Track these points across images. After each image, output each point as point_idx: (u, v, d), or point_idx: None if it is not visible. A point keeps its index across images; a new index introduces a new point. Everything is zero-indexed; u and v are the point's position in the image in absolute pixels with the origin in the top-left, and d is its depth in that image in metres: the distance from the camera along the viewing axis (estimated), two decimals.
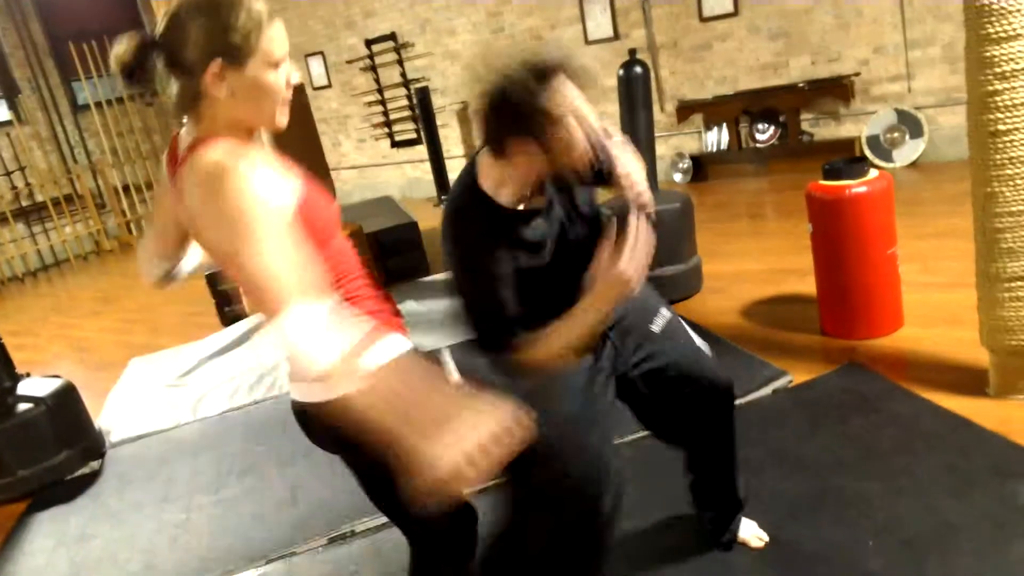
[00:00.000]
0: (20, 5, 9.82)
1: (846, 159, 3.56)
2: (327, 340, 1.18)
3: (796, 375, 3.23)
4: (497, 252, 1.68)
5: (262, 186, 1.30)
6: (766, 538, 2.33)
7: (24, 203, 9.63)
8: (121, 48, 1.42)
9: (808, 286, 4.06)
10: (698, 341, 2.15)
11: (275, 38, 1.38)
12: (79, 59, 9.90)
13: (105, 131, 10.30)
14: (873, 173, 3.36)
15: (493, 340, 1.72)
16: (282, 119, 1.44)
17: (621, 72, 4.27)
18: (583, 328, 1.66)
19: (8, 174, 9.52)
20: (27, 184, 9.66)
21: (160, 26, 1.40)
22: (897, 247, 3.44)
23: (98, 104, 10.19)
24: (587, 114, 1.62)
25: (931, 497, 2.37)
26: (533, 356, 1.66)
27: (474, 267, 1.70)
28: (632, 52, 4.34)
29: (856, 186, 3.31)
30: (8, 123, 9.64)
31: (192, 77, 1.37)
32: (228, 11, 1.33)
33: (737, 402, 3.04)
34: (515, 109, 1.58)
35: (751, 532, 2.34)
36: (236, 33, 1.33)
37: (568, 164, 1.65)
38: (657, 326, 2.02)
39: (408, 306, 4.74)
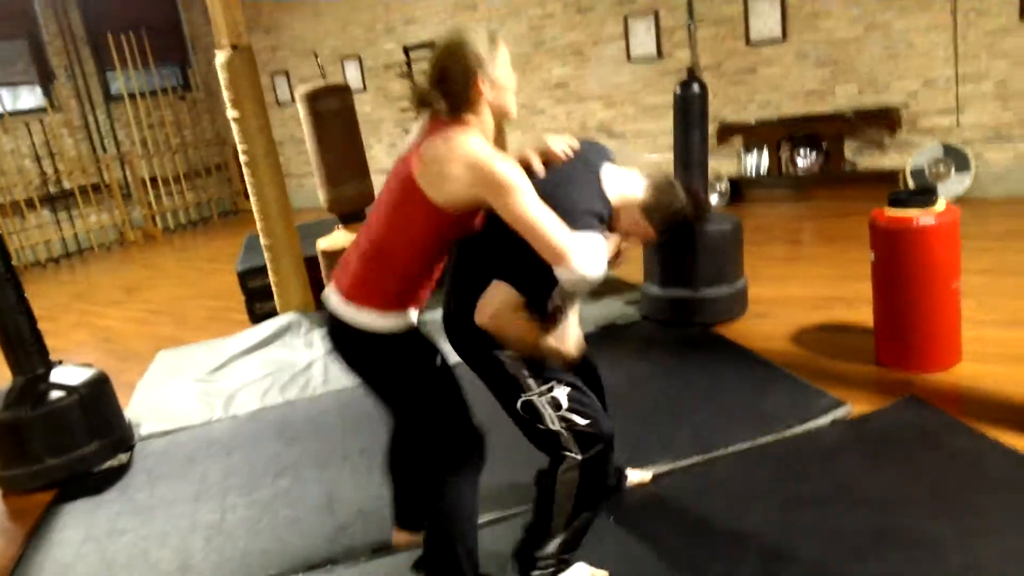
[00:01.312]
0: None
1: (913, 188, 3.48)
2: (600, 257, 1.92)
3: (853, 406, 3.13)
4: None
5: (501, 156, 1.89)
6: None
7: (52, 189, 9.61)
8: (415, 91, 2.04)
9: (858, 315, 3.99)
10: None
11: (500, 55, 2.01)
12: (115, 50, 9.91)
13: (136, 122, 10.30)
14: (941, 204, 3.28)
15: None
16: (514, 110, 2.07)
17: (678, 90, 4.20)
18: None
19: (38, 160, 9.50)
20: (56, 171, 9.65)
21: (430, 75, 1.99)
22: (960, 282, 3.35)
23: (131, 95, 10.20)
24: None
25: (1008, 541, 2.27)
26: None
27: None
28: (690, 71, 4.26)
29: (924, 216, 3.22)
30: (42, 109, 9.64)
31: (461, 93, 1.95)
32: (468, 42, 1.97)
33: (795, 430, 2.99)
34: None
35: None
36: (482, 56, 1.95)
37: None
38: None
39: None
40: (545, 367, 2.09)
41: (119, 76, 10.11)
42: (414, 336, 2.11)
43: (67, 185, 9.70)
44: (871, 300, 3.55)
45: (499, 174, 1.84)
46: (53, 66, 9.84)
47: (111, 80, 10.35)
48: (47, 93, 9.79)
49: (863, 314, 3.83)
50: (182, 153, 10.77)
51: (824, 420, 3.04)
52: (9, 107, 9.42)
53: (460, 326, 2.11)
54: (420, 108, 2.03)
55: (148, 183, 10.33)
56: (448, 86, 1.94)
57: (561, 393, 2.08)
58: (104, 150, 10.20)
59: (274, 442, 3.64)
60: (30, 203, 9.33)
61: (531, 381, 2.09)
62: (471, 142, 1.88)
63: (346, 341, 2.07)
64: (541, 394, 2.08)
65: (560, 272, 1.87)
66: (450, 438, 2.17)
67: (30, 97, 9.81)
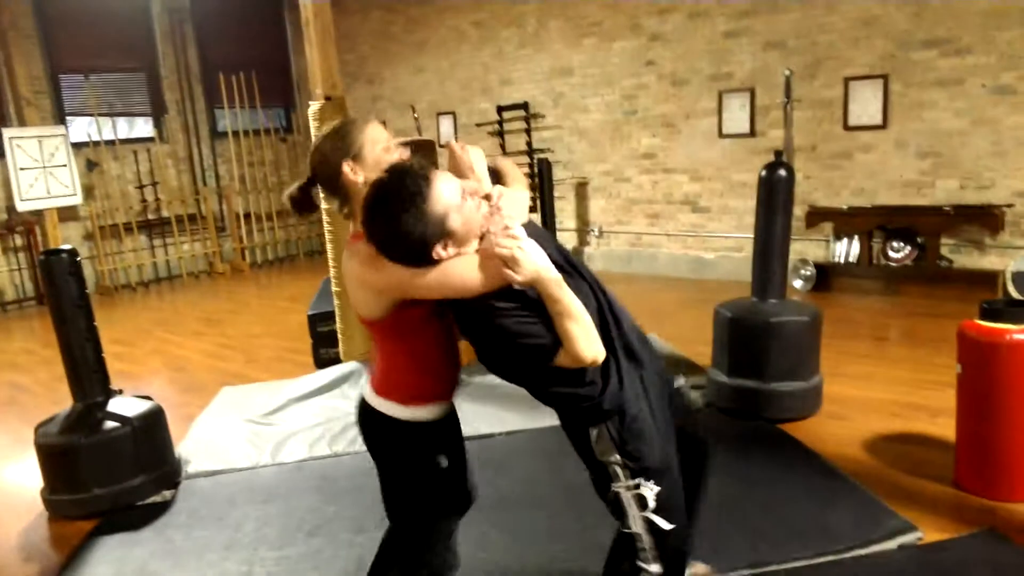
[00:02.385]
0: (182, 32, 10.40)
1: (1008, 299, 3.23)
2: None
3: (925, 531, 2.88)
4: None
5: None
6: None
7: (150, 216, 10.03)
8: (289, 190, 2.11)
9: (940, 428, 3.72)
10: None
11: (377, 128, 2.04)
12: (226, 88, 10.38)
13: (238, 159, 10.71)
14: None
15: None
16: None
17: (763, 173, 4.06)
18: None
19: (141, 187, 9.96)
20: (156, 199, 10.08)
21: (310, 164, 2.05)
22: None
23: (235, 133, 10.63)
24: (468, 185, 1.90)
25: None
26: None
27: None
28: (778, 154, 4.13)
29: (1018, 332, 2.98)
30: (151, 139, 10.13)
31: (335, 183, 2.00)
32: (335, 130, 2.03)
33: (857, 552, 2.76)
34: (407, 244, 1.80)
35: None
36: (349, 139, 1.99)
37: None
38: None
39: None
40: (639, 455, 1.90)
41: (226, 114, 10.56)
42: (434, 428, 2.08)
43: (165, 213, 10.12)
44: (955, 412, 3.29)
45: (385, 279, 1.84)
46: (166, 100, 10.36)
47: (219, 117, 10.82)
48: (157, 125, 10.29)
49: (946, 427, 3.56)
50: (277, 192, 11.10)
51: (891, 544, 2.79)
52: (123, 135, 9.93)
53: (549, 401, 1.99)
54: (302, 213, 2.16)
55: (242, 218, 10.68)
56: (326, 185, 2.02)
57: (649, 492, 1.90)
58: (204, 183, 10.62)
59: (314, 496, 3.59)
60: (128, 227, 9.75)
61: (620, 470, 1.91)
62: (353, 262, 1.91)
63: (368, 423, 2.12)
64: (628, 488, 1.91)
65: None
66: (413, 546, 2.18)
67: (144, 127, 10.33)
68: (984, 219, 5.96)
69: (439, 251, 1.78)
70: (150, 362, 6.34)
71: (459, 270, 1.77)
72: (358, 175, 1.96)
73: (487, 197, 1.87)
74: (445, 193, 1.77)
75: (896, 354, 5.16)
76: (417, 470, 2.09)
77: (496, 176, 2.19)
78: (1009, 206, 5.91)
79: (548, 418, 4.21)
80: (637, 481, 1.90)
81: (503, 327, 1.77)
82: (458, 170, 2.02)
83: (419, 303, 1.90)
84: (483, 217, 1.82)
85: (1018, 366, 3.00)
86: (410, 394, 2.04)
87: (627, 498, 1.91)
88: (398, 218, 1.74)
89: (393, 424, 2.05)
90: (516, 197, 2.06)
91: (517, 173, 2.25)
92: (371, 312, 1.94)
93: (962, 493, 3.18)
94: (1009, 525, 2.91)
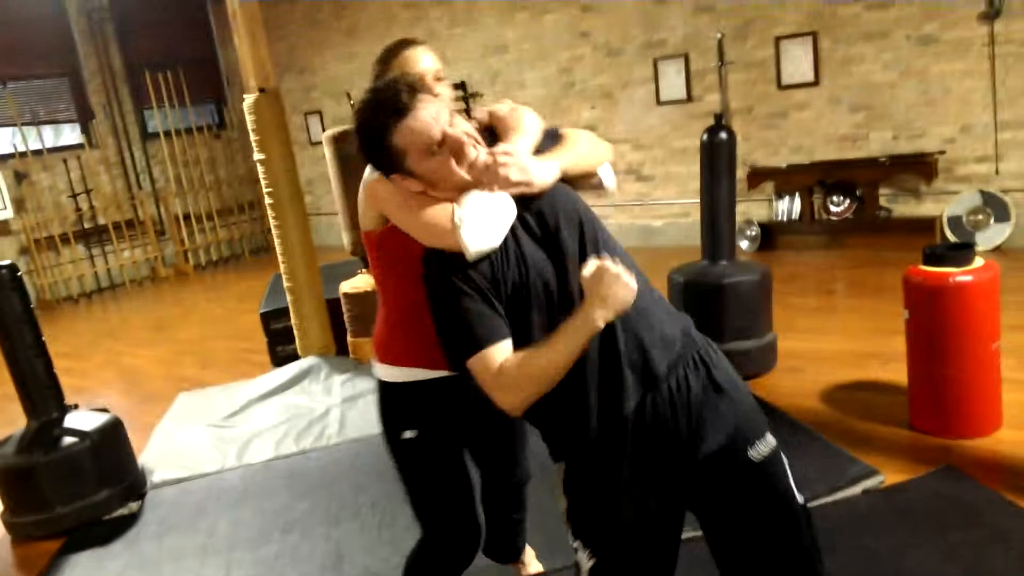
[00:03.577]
0: (103, 32, 10.07)
1: (949, 243, 3.34)
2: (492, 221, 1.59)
3: (887, 474, 2.98)
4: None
5: None
6: None
7: (86, 225, 9.75)
8: None
9: (892, 373, 3.83)
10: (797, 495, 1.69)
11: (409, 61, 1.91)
12: (153, 88, 10.10)
13: (172, 159, 10.45)
14: (979, 261, 3.14)
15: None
16: None
17: (705, 137, 4.11)
18: (574, 343, 1.46)
19: (74, 196, 9.65)
20: (91, 207, 9.79)
21: None
22: (1000, 341, 3.19)
23: (167, 133, 10.36)
24: (459, 121, 1.59)
25: None
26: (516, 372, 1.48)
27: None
28: (718, 117, 4.19)
29: (960, 274, 3.08)
30: (79, 146, 9.81)
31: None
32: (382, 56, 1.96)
33: (823, 500, 2.85)
34: (367, 151, 1.63)
35: None
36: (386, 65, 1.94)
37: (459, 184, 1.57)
38: (757, 453, 1.63)
39: None
40: (583, 521, 1.61)
41: (156, 114, 10.29)
42: (423, 393, 1.89)
43: (102, 221, 9.83)
44: (905, 358, 3.40)
45: (371, 181, 1.78)
46: (92, 104, 10.03)
47: (148, 118, 10.53)
48: (85, 130, 9.98)
49: (898, 372, 3.68)
50: (216, 190, 10.89)
51: (855, 490, 2.89)
52: (49, 144, 9.60)
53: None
54: None
55: (181, 220, 10.45)
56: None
57: (584, 561, 1.61)
58: (139, 187, 10.35)
59: (285, 494, 3.56)
60: (65, 238, 9.46)
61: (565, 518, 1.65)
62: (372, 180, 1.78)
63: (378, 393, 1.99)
64: (575, 550, 1.64)
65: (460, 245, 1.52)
66: (425, 519, 2.02)
67: (72, 134, 10.00)
68: (918, 167, 6.13)
69: (400, 175, 1.61)
70: (102, 374, 6.19)
71: (426, 211, 1.60)
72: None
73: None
74: (427, 120, 1.54)
75: (844, 305, 5.31)
76: (390, 442, 1.95)
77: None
78: (941, 153, 6.08)
79: None
80: (576, 543, 1.63)
81: (446, 293, 1.53)
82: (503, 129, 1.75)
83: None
84: (476, 166, 1.56)
85: (962, 307, 3.11)
86: (389, 349, 1.90)
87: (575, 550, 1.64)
88: (374, 123, 1.57)
89: (380, 391, 1.96)
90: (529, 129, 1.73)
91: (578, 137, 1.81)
92: (363, 220, 1.84)
93: (918, 434, 3.29)
94: (964, 461, 3.03)
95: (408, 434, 1.91)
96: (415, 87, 1.58)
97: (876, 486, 2.91)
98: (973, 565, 2.43)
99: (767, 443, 1.64)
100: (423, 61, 1.88)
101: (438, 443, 1.95)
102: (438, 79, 1.88)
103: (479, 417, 1.96)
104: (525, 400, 1.48)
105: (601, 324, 1.44)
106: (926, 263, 3.19)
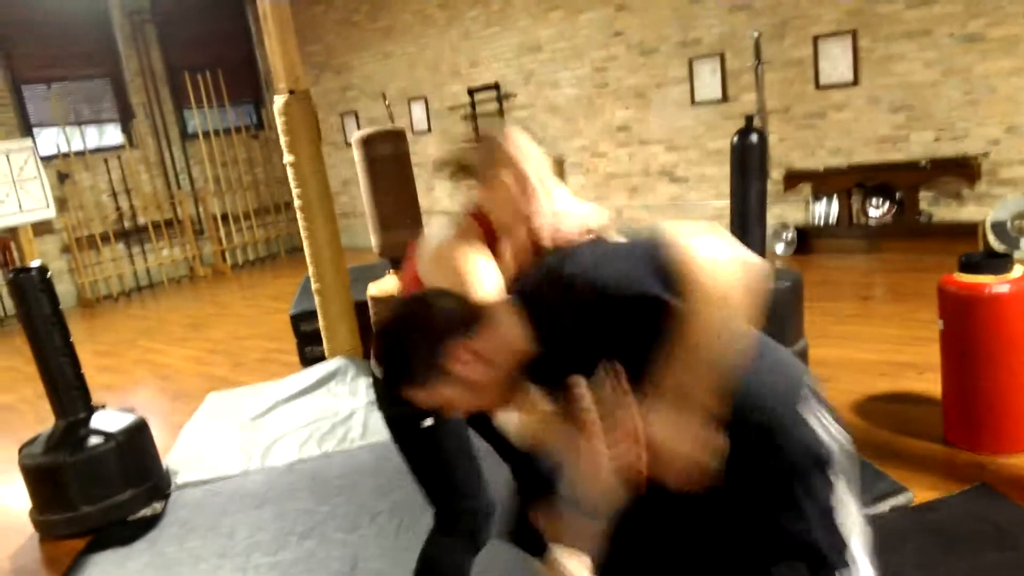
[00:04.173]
0: (144, 34, 10.24)
1: (987, 251, 3.22)
2: None
3: (916, 491, 2.88)
4: None
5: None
6: None
7: (126, 224, 9.92)
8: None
9: (928, 384, 3.72)
10: None
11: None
12: (193, 89, 10.24)
13: (210, 160, 10.59)
14: (1018, 271, 3.02)
15: None
16: None
17: (735, 140, 4.02)
18: None
19: (115, 195, 9.84)
20: (131, 206, 9.97)
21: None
22: None
23: (206, 133, 10.50)
24: None
25: None
26: None
27: None
28: (749, 119, 4.08)
29: (998, 284, 2.97)
30: (120, 147, 9.99)
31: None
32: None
33: None
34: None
35: None
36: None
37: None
38: None
39: None
40: None
41: (195, 114, 10.43)
42: None
43: (141, 220, 10.01)
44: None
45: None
46: (133, 104, 10.21)
47: (188, 118, 10.68)
48: (126, 130, 10.15)
49: (933, 383, 3.56)
50: (253, 190, 11.01)
51: (883, 507, 2.79)
52: (92, 144, 9.79)
53: None
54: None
55: (219, 220, 10.58)
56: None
57: None
58: (179, 187, 10.50)
59: (306, 498, 3.56)
60: (105, 237, 9.65)
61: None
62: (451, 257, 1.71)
63: None
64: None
65: None
66: (436, 501, 2.09)
67: (113, 134, 10.18)
68: (960, 170, 5.94)
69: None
70: (136, 372, 6.28)
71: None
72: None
73: None
74: None
75: (880, 312, 5.17)
76: (402, 430, 2.02)
77: None
78: (984, 155, 5.89)
79: None
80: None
81: None
82: None
83: None
84: None
85: (999, 318, 3.00)
86: None
87: None
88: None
89: None
90: None
91: None
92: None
93: (951, 449, 3.17)
94: (999, 479, 2.91)
95: (427, 422, 1.95)
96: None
97: (905, 504, 2.81)
98: None
99: None
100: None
101: (451, 425, 1.99)
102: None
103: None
104: None
105: None
106: (962, 271, 3.07)
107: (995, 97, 5.82)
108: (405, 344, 1.39)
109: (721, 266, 1.26)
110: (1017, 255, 5.66)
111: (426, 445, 2.01)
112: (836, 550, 1.38)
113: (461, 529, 2.08)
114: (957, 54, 5.90)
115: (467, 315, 1.38)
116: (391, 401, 1.97)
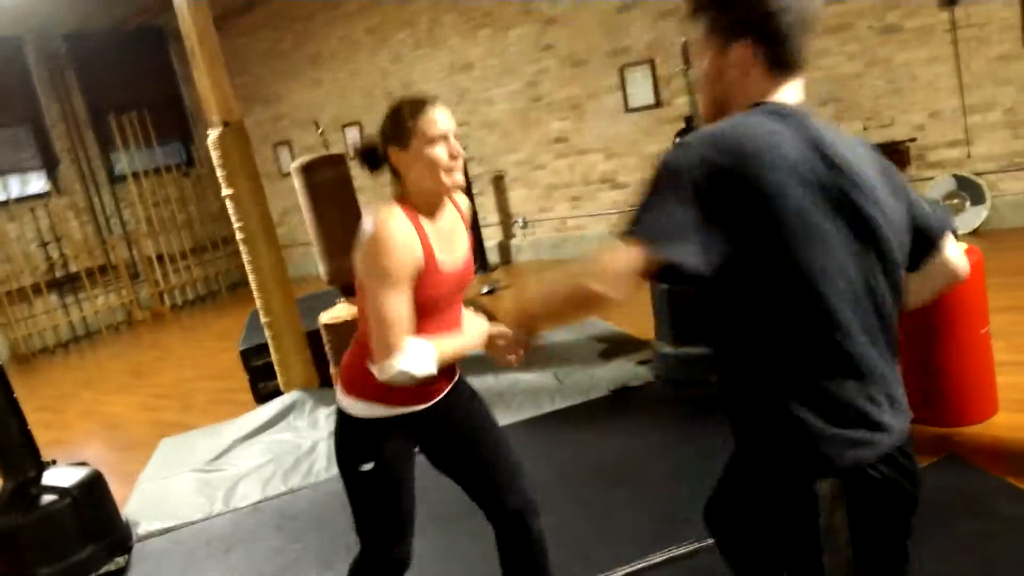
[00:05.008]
0: (64, 79, 9.96)
1: None
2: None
3: None
4: None
5: (395, 246, 1.74)
6: None
7: (58, 273, 9.59)
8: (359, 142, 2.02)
9: None
10: None
11: (432, 120, 1.82)
12: (119, 131, 9.99)
13: (141, 201, 10.32)
14: (963, 246, 3.09)
15: None
16: (448, 183, 1.85)
17: (677, 140, 4.07)
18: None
19: (44, 245, 9.51)
20: (62, 255, 9.64)
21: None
22: (990, 326, 3.16)
23: (135, 174, 10.24)
24: None
25: None
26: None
27: None
28: (688, 120, 4.15)
29: None
30: (46, 194, 9.68)
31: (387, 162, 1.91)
32: (396, 110, 1.87)
33: None
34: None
35: None
36: (399, 124, 1.84)
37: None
38: None
39: None
40: None
41: (122, 156, 10.17)
42: (383, 429, 1.96)
43: (73, 268, 9.69)
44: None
45: (374, 264, 1.75)
46: (57, 150, 9.91)
47: (115, 161, 10.41)
48: (52, 177, 9.84)
49: None
50: (188, 229, 10.77)
51: None
52: (16, 193, 9.46)
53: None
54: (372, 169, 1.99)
55: (155, 261, 10.32)
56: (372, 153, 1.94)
57: None
58: (110, 231, 10.22)
59: (276, 537, 3.45)
60: (36, 289, 9.31)
61: None
62: (376, 224, 1.76)
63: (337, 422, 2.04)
64: None
65: (376, 367, 1.77)
66: (366, 538, 2.07)
67: (38, 182, 9.86)
68: (891, 156, 6.04)
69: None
70: (81, 425, 6.05)
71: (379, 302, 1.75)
72: (403, 164, 1.87)
73: None
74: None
75: None
76: (343, 468, 2.01)
77: None
78: (912, 140, 6.09)
79: (524, 412, 4.17)
80: None
81: None
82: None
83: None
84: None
85: (955, 293, 3.07)
86: (357, 382, 1.94)
87: None
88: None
89: (338, 418, 2.01)
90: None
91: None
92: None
93: (915, 425, 3.21)
94: (965, 449, 2.98)
95: (366, 466, 1.95)
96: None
97: None
98: (985, 557, 2.37)
99: None
100: (443, 121, 1.85)
101: (392, 474, 2.00)
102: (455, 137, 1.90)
103: (443, 444, 2.09)
104: None
105: None
106: None
107: (916, 85, 6.02)
108: None
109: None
110: None
111: (369, 486, 2.00)
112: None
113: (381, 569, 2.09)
114: (877, 46, 6.10)
115: None
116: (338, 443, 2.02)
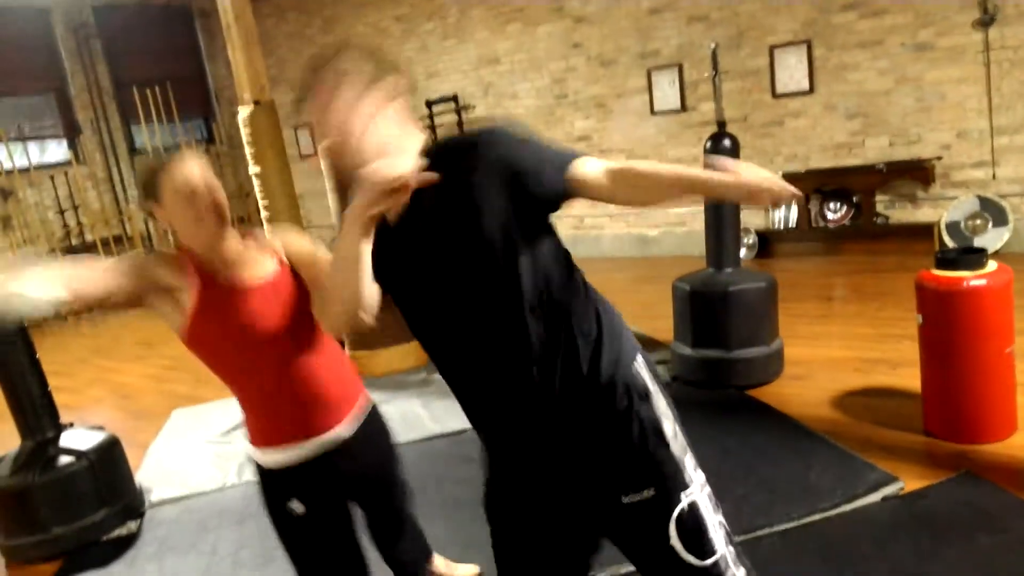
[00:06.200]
0: (89, 49, 9.99)
1: (962, 247, 3.31)
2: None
3: (905, 481, 2.93)
4: None
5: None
6: None
7: (74, 241, 9.62)
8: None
9: (902, 379, 3.80)
10: None
11: (177, 180, 1.78)
12: (141, 104, 10.01)
13: None
14: (992, 265, 3.11)
15: None
16: (201, 231, 1.82)
17: (708, 144, 4.09)
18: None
19: (62, 212, 9.55)
20: (79, 223, 9.68)
21: None
22: (1014, 346, 3.16)
23: (155, 149, 10.26)
24: None
25: None
26: None
27: None
28: (721, 125, 4.16)
29: (974, 278, 3.05)
30: (67, 163, 9.71)
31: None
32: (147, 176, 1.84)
33: (844, 508, 2.79)
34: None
35: None
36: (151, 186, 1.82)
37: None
38: None
39: None
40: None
41: (143, 130, 10.19)
42: (267, 474, 1.97)
43: (89, 237, 9.71)
44: (916, 363, 3.36)
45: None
46: (79, 120, 9.94)
47: (136, 134, 10.43)
48: (72, 146, 9.88)
49: (908, 378, 3.65)
50: None
51: (874, 497, 2.83)
52: (36, 160, 9.49)
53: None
54: None
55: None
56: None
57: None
58: (128, 202, 10.24)
59: None
60: (52, 255, 9.34)
61: (690, 470, 1.51)
62: None
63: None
64: (703, 487, 1.53)
65: None
66: None
67: (58, 151, 9.89)
68: (915, 173, 6.13)
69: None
70: (92, 392, 6.07)
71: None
72: (163, 219, 1.87)
73: None
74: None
75: (847, 311, 5.28)
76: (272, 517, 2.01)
77: None
78: (938, 159, 6.09)
79: None
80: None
81: None
82: None
83: (204, 335, 1.93)
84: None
85: (975, 311, 3.08)
86: (248, 428, 1.98)
87: (705, 505, 1.54)
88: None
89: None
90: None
91: None
92: None
93: (934, 440, 3.24)
94: (982, 466, 2.98)
95: (297, 508, 1.92)
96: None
97: (896, 492, 2.86)
98: (1001, 572, 2.38)
99: None
100: (184, 181, 1.81)
101: (325, 519, 1.97)
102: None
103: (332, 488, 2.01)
104: None
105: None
106: (939, 267, 3.15)
107: (945, 104, 6.02)
108: None
109: None
110: None
111: (299, 535, 1.97)
112: (678, 472, 1.48)
113: None
114: (909, 63, 6.10)
115: None
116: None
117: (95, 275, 1.76)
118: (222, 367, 1.91)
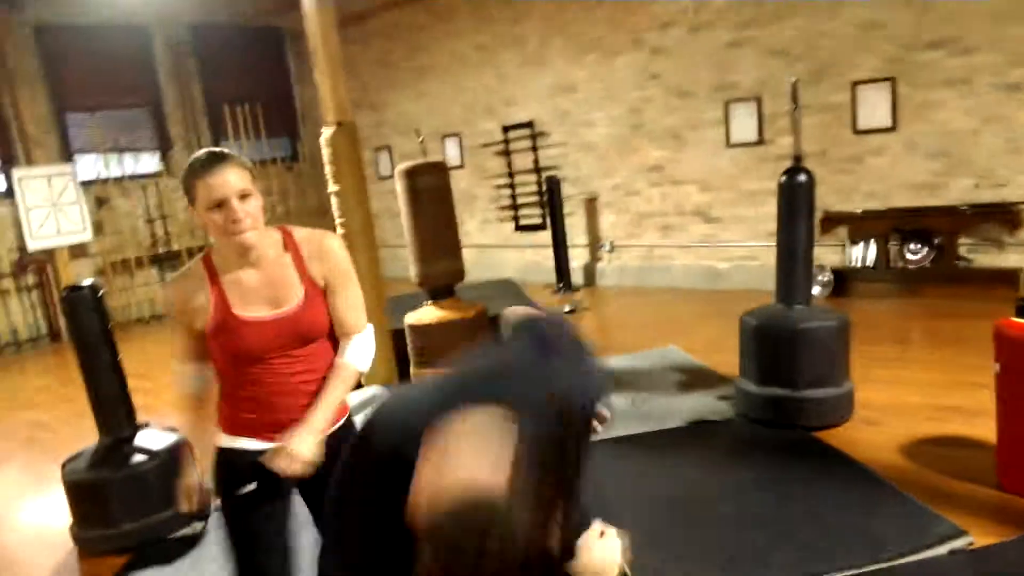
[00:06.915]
0: (185, 67, 10.46)
1: None
2: None
3: (974, 535, 2.82)
4: None
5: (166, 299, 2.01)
6: None
7: (160, 249, 10.04)
8: None
9: (977, 429, 3.67)
10: None
11: (210, 186, 1.82)
12: (231, 120, 10.43)
13: None
14: None
15: None
16: (233, 240, 1.85)
17: (783, 179, 4.04)
18: None
19: (150, 221, 9.98)
20: (166, 232, 10.10)
21: None
22: None
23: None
24: None
25: None
26: None
27: None
28: (797, 159, 4.11)
29: None
30: (158, 174, 10.16)
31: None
32: (188, 166, 1.91)
33: (907, 560, 2.71)
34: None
35: None
36: (185, 183, 1.87)
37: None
38: None
39: None
40: None
41: (232, 145, 10.59)
42: (227, 459, 2.06)
43: (175, 247, 10.12)
44: (992, 413, 3.24)
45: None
46: (172, 134, 10.40)
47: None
48: (164, 159, 10.33)
49: (983, 429, 3.52)
50: (286, 221, 11.10)
51: (941, 550, 2.74)
52: (130, 171, 9.96)
53: None
54: None
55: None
56: None
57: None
58: None
59: None
60: (140, 262, 9.76)
61: None
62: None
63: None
64: None
65: None
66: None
67: (150, 162, 10.36)
68: (1001, 217, 5.92)
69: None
70: (169, 395, 6.30)
71: None
72: (198, 218, 1.91)
73: None
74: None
75: (923, 356, 5.11)
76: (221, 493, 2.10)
77: None
78: None
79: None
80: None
81: None
82: None
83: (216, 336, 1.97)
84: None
85: None
86: (220, 415, 2.06)
87: None
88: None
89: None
90: None
91: None
92: None
93: (1007, 495, 3.12)
94: None
95: (249, 487, 2.02)
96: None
97: (964, 547, 2.76)
98: None
99: None
100: (220, 188, 1.83)
101: (270, 499, 2.05)
102: (244, 196, 1.87)
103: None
104: None
105: None
106: (1019, 315, 3.05)
107: None
108: None
109: None
110: None
111: (244, 512, 2.06)
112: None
113: None
114: (997, 103, 5.92)
115: None
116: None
117: (189, 341, 1.99)
118: (220, 364, 2.01)
